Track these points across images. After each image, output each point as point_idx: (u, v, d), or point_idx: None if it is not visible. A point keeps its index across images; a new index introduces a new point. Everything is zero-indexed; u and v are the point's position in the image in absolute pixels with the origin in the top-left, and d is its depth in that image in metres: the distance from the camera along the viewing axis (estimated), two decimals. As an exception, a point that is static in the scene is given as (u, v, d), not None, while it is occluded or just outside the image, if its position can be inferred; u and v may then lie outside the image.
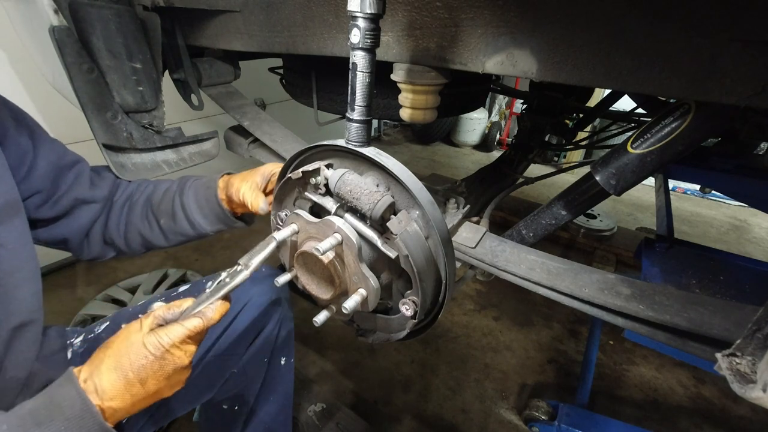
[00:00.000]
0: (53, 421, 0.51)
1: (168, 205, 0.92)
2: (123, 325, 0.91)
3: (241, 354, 1.02)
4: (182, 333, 0.59)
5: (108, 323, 0.94)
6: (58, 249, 0.90)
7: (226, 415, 1.08)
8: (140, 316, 0.95)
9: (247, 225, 0.96)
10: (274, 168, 0.89)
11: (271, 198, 0.84)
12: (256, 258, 0.64)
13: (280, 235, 0.68)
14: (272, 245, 0.66)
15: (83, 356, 0.86)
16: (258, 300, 1.01)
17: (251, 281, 1.01)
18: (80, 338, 0.90)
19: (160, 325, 0.61)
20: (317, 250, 0.60)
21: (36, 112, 1.88)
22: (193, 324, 0.60)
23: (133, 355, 0.57)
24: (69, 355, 0.86)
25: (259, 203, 0.83)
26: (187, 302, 0.65)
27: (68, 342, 0.88)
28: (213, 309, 0.63)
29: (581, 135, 2.12)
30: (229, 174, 0.92)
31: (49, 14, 0.90)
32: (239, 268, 0.65)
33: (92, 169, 0.91)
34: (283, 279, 0.72)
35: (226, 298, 0.65)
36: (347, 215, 0.65)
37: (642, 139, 0.71)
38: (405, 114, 0.82)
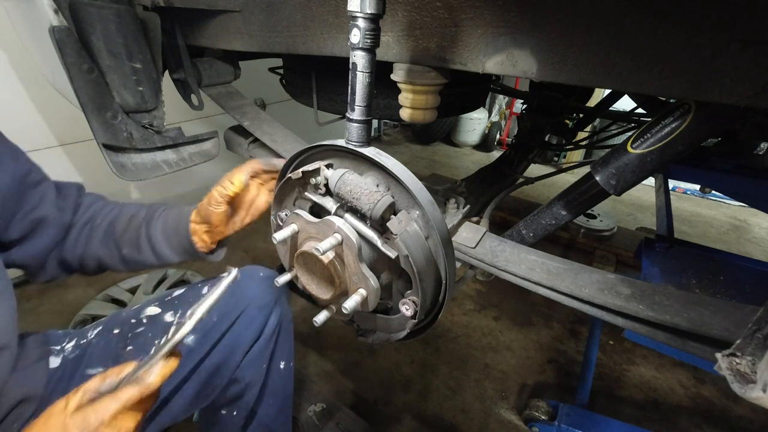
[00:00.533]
0: None
1: (132, 235, 0.87)
2: (115, 331, 0.88)
3: (239, 360, 0.99)
4: (113, 408, 0.51)
5: (101, 327, 0.90)
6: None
7: (224, 420, 1.07)
8: (132, 321, 0.92)
9: (216, 260, 0.93)
10: (247, 166, 0.87)
11: (244, 175, 0.83)
12: (200, 309, 0.59)
13: (280, 234, 0.68)
14: (216, 294, 0.60)
15: (75, 362, 0.82)
16: (256, 303, 0.98)
17: (250, 283, 1.01)
18: (72, 343, 0.86)
19: (94, 399, 0.53)
20: (317, 250, 0.60)
21: (36, 112, 1.88)
22: (128, 395, 0.52)
23: None
24: (58, 362, 0.81)
25: (240, 177, 0.81)
26: (128, 368, 0.57)
27: (51, 348, 0.83)
28: (154, 372, 0.55)
29: (581, 135, 2.12)
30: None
31: (49, 14, 0.90)
32: (183, 320, 0.59)
33: (55, 186, 0.85)
34: (283, 279, 0.72)
35: (173, 354, 0.58)
36: (347, 215, 0.65)
37: (642, 139, 0.71)
38: (405, 114, 0.82)
